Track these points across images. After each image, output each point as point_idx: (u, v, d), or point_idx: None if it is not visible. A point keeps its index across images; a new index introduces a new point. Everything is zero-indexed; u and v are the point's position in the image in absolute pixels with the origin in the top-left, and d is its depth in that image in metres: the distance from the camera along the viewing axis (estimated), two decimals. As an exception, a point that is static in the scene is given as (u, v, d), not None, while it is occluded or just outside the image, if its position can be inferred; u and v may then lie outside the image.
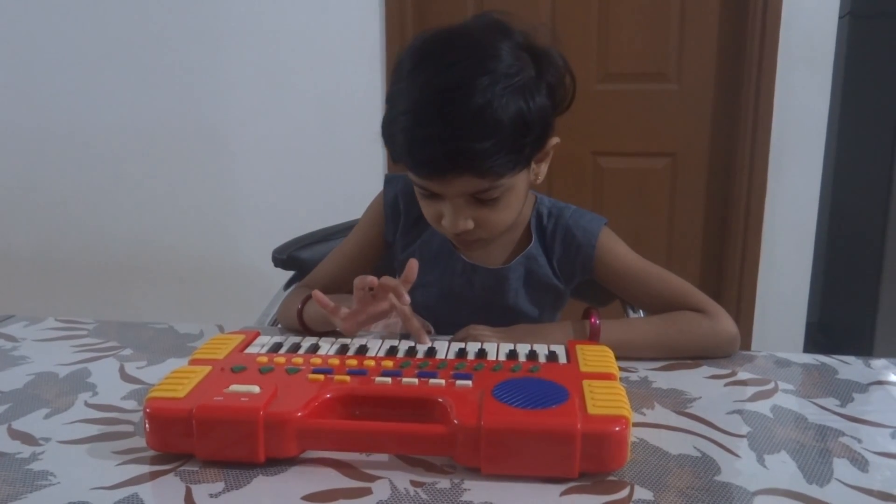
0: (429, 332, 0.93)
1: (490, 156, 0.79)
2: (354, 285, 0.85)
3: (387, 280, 0.83)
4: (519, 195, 0.90)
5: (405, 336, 0.91)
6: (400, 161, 0.85)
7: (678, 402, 0.78)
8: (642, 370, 0.87)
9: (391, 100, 0.85)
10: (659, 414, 0.75)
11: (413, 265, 0.83)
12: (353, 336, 0.86)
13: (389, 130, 0.84)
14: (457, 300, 1.01)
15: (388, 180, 1.05)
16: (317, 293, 0.85)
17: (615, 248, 0.99)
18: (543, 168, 0.92)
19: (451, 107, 0.78)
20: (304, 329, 0.97)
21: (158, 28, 2.26)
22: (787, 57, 2.07)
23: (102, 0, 2.27)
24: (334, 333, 0.91)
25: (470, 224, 0.87)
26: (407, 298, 0.82)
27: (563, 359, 0.76)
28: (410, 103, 0.81)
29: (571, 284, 1.03)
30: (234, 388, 0.66)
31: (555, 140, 0.89)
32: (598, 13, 2.18)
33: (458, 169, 0.81)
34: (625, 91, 2.21)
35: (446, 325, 0.94)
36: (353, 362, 0.74)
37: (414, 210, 1.01)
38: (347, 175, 2.27)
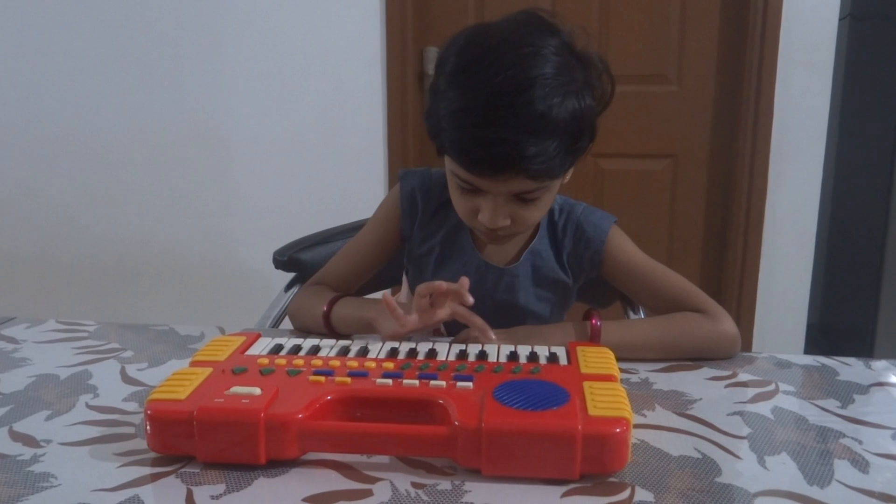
0: (440, 334, 0.94)
1: (549, 159, 0.80)
2: (417, 293, 0.84)
3: (450, 285, 0.83)
4: (554, 194, 0.91)
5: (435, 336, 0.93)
6: (450, 156, 0.85)
7: (679, 403, 0.78)
8: (643, 372, 0.87)
9: (439, 94, 0.83)
10: (660, 415, 0.75)
11: (464, 282, 0.83)
12: (399, 340, 0.85)
13: (438, 125, 0.83)
14: None
15: (404, 175, 1.04)
16: (389, 299, 0.83)
17: (623, 246, 1.00)
18: (571, 169, 0.92)
19: (512, 110, 0.78)
20: (330, 331, 0.96)
21: (159, 29, 2.27)
22: (788, 59, 2.07)
23: (103, 0, 2.27)
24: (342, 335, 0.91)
25: (508, 221, 0.87)
26: (470, 300, 0.82)
27: (563, 360, 0.76)
28: (467, 102, 0.80)
29: (579, 281, 1.03)
30: (235, 389, 0.66)
31: None
32: (599, 14, 2.18)
33: (515, 170, 0.81)
34: (625, 93, 2.19)
35: (454, 325, 0.93)
36: (354, 364, 0.74)
37: (431, 204, 1.01)
38: (348, 176, 2.27)
